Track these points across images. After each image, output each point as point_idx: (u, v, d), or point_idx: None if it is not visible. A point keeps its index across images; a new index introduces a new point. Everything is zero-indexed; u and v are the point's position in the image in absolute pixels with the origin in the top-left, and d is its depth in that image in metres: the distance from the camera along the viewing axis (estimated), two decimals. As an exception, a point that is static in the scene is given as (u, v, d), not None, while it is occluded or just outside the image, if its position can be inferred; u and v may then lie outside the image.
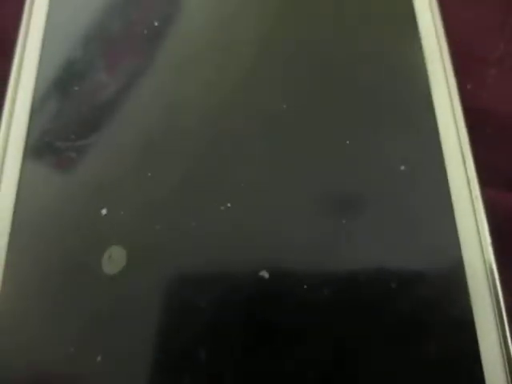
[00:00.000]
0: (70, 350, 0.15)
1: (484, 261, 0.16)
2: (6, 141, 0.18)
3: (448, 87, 0.18)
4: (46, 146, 0.18)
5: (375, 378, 0.15)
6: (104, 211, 0.17)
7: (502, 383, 0.15)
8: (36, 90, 0.19)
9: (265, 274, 0.16)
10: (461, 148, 0.17)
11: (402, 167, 0.17)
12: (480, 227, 0.16)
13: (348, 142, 0.18)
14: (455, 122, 0.18)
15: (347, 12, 0.21)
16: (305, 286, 0.16)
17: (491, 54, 0.23)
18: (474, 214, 0.16)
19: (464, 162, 0.17)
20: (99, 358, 0.15)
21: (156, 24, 0.21)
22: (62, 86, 0.19)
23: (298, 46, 0.20)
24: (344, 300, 0.16)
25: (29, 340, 0.16)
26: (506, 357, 0.15)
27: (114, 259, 0.16)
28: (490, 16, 0.24)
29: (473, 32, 0.23)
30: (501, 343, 0.15)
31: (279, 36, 0.20)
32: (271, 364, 0.15)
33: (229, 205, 0.17)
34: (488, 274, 0.16)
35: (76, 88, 0.19)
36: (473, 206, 0.17)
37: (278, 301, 0.16)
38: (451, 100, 0.18)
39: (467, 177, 0.17)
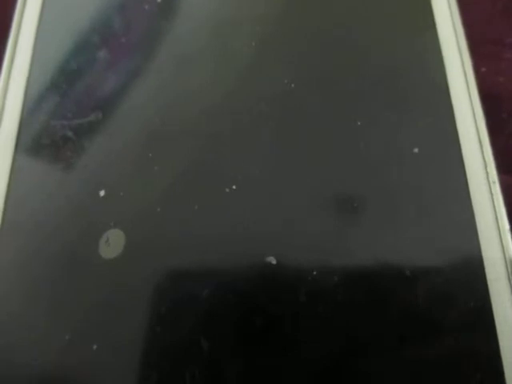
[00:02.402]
0: (65, 336, 0.15)
1: (502, 247, 0.15)
2: (1, 120, 0.18)
3: (464, 71, 0.18)
4: (42, 125, 0.18)
5: (390, 369, 0.14)
6: (102, 193, 0.16)
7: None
8: (31, 68, 0.19)
9: (272, 260, 0.15)
10: (477, 132, 0.17)
11: (416, 150, 0.17)
12: (498, 213, 0.16)
13: (360, 123, 0.17)
14: (471, 106, 0.17)
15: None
16: (314, 273, 0.15)
17: (506, 37, 0.22)
18: (492, 200, 0.16)
19: (481, 147, 0.17)
20: (95, 345, 0.15)
21: (159, 1, 0.20)
22: (58, 65, 0.19)
23: (312, 27, 0.19)
24: (356, 289, 0.15)
25: (23, 325, 0.15)
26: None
27: (111, 243, 0.16)
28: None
29: (487, 15, 0.23)
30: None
31: (293, 17, 0.20)
32: (279, 352, 0.14)
33: (234, 187, 0.16)
34: (507, 261, 0.15)
35: (73, 67, 0.19)
36: (490, 191, 0.16)
37: (286, 288, 0.15)
38: (467, 84, 0.18)
39: (484, 161, 0.16)
